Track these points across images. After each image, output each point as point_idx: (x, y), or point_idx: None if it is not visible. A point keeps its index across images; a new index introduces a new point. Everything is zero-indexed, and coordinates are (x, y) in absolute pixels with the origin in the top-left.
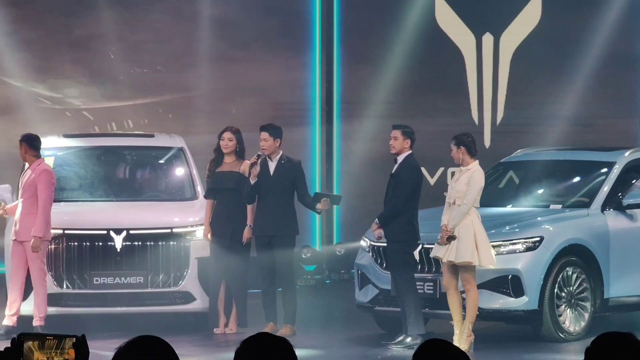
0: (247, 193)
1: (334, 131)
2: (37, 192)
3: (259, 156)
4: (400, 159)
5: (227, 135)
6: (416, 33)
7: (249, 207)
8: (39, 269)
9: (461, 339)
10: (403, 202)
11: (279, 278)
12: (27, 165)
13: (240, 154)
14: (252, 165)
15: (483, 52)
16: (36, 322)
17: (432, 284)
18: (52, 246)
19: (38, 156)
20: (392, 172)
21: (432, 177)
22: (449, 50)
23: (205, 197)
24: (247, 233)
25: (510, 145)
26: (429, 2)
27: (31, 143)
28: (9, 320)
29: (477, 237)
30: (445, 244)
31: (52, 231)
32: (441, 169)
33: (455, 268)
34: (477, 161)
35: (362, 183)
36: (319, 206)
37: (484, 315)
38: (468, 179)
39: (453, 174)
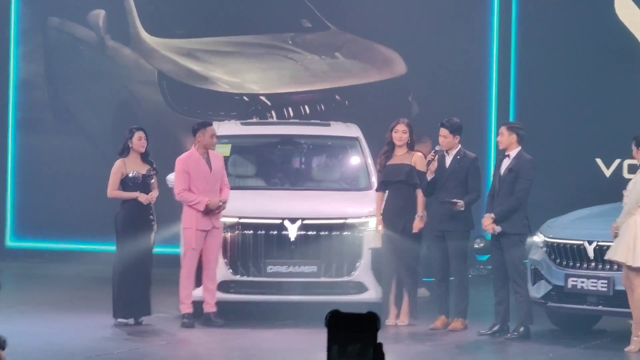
0: (424, 187)
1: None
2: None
3: (436, 152)
4: (512, 154)
5: (401, 127)
6: (594, 26)
7: (419, 197)
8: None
9: (632, 340)
10: (526, 197)
11: (452, 271)
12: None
13: (411, 145)
14: (430, 162)
15: None
16: (210, 309)
17: (605, 281)
18: (228, 234)
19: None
20: (509, 167)
21: (607, 168)
22: (629, 42)
23: (377, 190)
24: (417, 223)
25: None
26: None
27: None
28: (189, 308)
29: (638, 237)
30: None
31: (227, 219)
32: (617, 161)
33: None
34: None
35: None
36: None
37: None
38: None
39: (629, 166)
